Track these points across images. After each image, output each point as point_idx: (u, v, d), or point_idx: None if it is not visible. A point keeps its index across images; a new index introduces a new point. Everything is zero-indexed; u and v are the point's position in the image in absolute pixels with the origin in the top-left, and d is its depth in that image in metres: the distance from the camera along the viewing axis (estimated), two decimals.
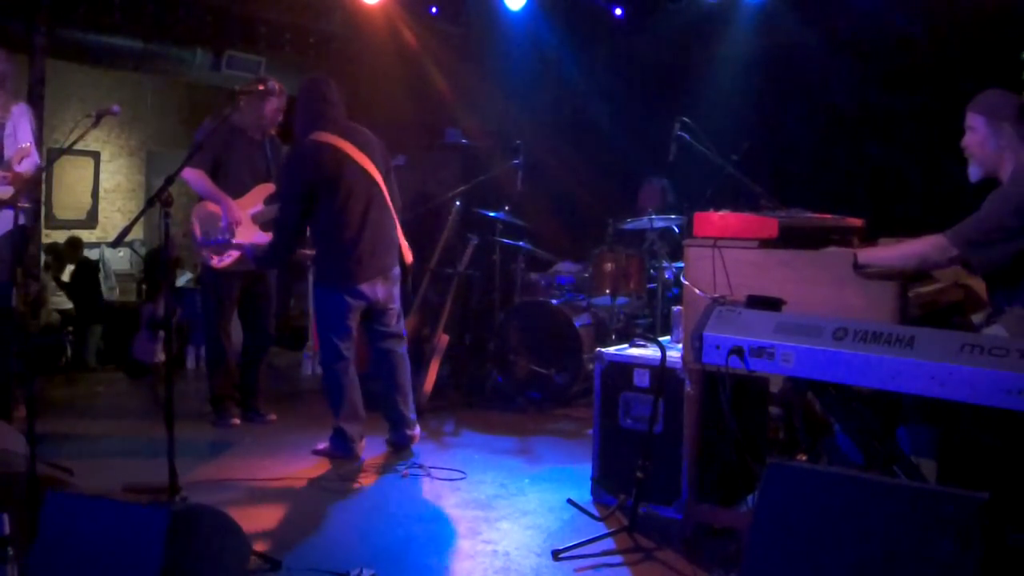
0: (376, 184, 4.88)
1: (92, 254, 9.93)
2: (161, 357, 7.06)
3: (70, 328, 8.66)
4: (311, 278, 5.24)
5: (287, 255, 5.01)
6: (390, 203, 4.95)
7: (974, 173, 3.42)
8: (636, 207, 7.04)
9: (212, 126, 5.19)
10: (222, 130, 5.26)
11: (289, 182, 4.85)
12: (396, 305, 5.02)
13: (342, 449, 4.88)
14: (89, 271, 9.16)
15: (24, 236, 5.50)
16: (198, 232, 5.41)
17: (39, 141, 5.43)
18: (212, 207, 5.37)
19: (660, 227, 6.53)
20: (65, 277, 9.17)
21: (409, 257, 5.10)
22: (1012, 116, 3.30)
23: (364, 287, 4.80)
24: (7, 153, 5.16)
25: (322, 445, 4.96)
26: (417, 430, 5.09)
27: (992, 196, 3.28)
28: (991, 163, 3.36)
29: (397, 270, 5.00)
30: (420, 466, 4.76)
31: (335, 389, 4.89)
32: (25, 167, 5.09)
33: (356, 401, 4.92)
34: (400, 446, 5.03)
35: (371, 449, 4.99)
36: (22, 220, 5.33)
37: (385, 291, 4.91)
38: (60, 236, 9.59)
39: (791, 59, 7.34)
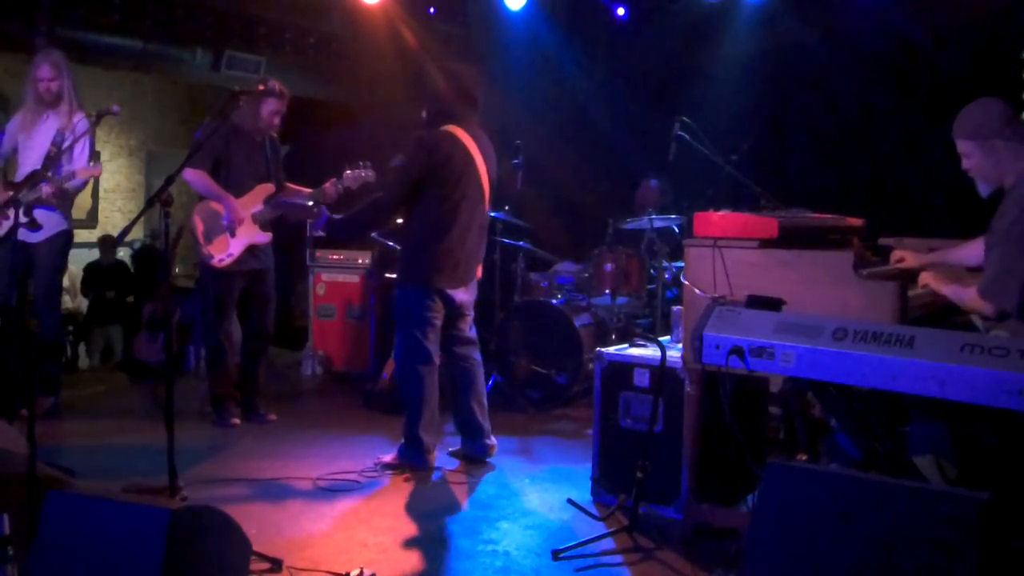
0: (484, 194, 4.75)
1: (92, 254, 9.91)
2: (161, 357, 7.06)
3: (70, 327, 8.66)
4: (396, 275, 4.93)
5: (364, 232, 4.92)
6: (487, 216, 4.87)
7: (983, 190, 3.39)
8: (634, 207, 7.04)
9: (213, 126, 5.20)
10: (222, 130, 5.26)
11: (406, 164, 4.63)
12: (472, 311, 4.89)
13: (417, 460, 4.64)
14: (101, 272, 9.17)
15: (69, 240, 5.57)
16: (200, 231, 5.40)
17: (91, 156, 5.47)
18: (215, 206, 5.36)
19: (660, 227, 6.53)
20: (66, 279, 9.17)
21: (479, 272, 4.93)
22: (998, 130, 3.27)
23: (452, 292, 4.65)
24: (63, 167, 5.23)
25: (389, 457, 4.72)
26: (494, 439, 4.90)
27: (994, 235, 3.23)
28: (995, 179, 3.34)
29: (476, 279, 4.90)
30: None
31: (417, 394, 4.61)
32: (74, 186, 5.19)
33: (436, 409, 4.69)
34: (477, 458, 4.82)
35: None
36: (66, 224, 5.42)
37: (467, 297, 4.79)
38: None
39: (791, 59, 7.35)
